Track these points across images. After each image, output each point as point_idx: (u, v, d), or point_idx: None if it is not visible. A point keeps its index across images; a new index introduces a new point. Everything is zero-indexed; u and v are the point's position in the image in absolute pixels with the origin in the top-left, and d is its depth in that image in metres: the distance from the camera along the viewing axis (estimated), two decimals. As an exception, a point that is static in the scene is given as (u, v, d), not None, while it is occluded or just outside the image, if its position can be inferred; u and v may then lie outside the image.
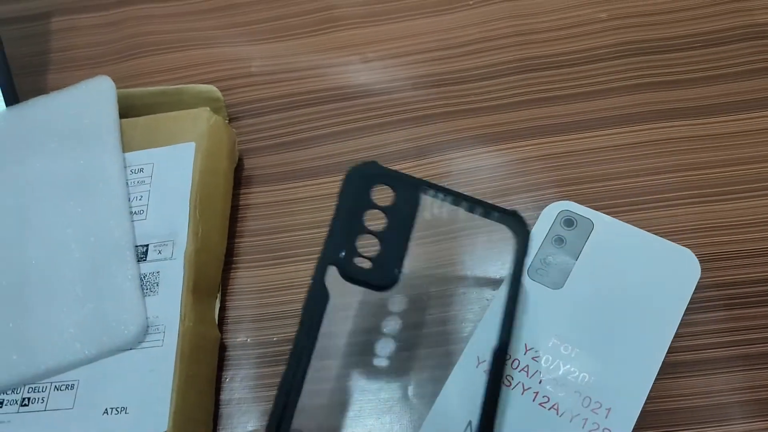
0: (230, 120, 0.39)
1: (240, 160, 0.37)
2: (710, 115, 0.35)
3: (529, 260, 0.31)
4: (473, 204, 0.28)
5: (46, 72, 0.42)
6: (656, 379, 0.28)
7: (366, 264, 0.27)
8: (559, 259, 0.31)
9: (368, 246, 0.27)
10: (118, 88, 0.36)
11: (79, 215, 0.32)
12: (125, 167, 0.34)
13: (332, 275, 0.26)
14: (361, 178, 0.27)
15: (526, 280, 0.31)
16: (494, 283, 0.33)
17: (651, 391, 0.28)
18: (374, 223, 0.27)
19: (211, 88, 0.37)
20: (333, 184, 0.36)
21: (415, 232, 0.27)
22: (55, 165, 0.34)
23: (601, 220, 0.32)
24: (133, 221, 0.32)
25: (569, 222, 0.32)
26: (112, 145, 0.34)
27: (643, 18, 0.39)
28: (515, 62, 0.38)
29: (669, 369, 0.29)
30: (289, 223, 0.35)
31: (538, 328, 0.30)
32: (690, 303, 0.30)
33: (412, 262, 0.32)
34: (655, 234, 0.31)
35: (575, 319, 0.30)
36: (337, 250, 0.26)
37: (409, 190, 0.28)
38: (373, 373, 0.31)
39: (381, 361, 0.31)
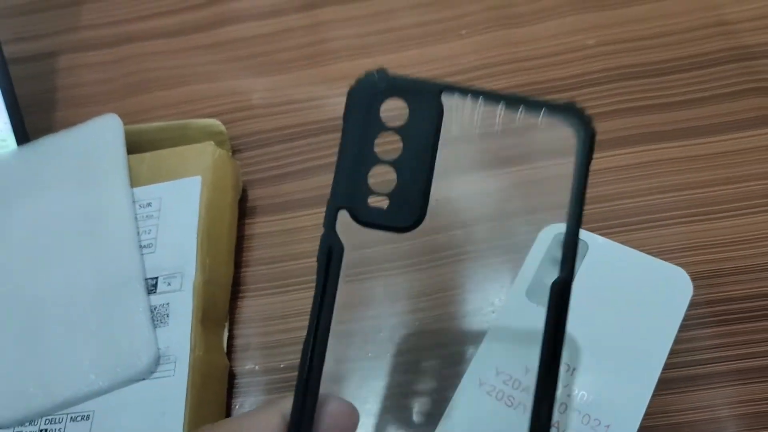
0: (233, 152, 0.40)
1: (244, 191, 0.39)
2: (699, 136, 0.36)
3: (527, 282, 0.32)
4: (513, 102, 0.22)
5: (54, 110, 0.43)
6: (654, 395, 0.29)
7: (383, 202, 0.22)
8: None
9: (384, 179, 0.23)
10: (124, 124, 0.37)
11: (90, 250, 0.33)
12: (134, 202, 0.35)
13: (344, 221, 0.22)
14: (368, 94, 0.23)
15: (523, 302, 0.32)
16: (548, 209, 0.31)
17: (649, 407, 0.29)
18: (389, 149, 0.23)
19: (215, 122, 0.38)
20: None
21: (440, 153, 0.23)
22: (67, 201, 0.35)
23: (594, 241, 0.33)
24: (142, 255, 0.34)
25: (565, 244, 0.33)
26: (120, 181, 0.35)
27: (631, 43, 0.40)
28: (510, 88, 0.40)
29: (666, 385, 0.30)
30: (292, 252, 0.36)
31: (537, 349, 0.31)
32: (684, 320, 0.30)
33: (440, 192, 0.28)
34: (648, 254, 0.32)
35: (572, 339, 0.31)
36: (347, 189, 0.22)
37: (427, 98, 0.23)
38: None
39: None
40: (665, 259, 0.32)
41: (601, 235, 0.33)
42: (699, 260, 0.33)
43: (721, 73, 0.38)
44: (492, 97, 0.22)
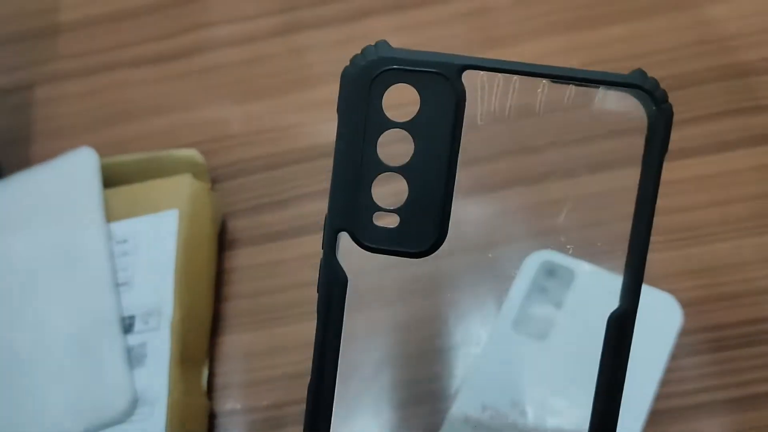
0: (213, 182, 0.39)
1: (224, 222, 0.38)
2: (684, 158, 0.36)
3: (512, 313, 0.31)
4: (559, 78, 0.18)
5: (30, 143, 0.42)
6: (646, 426, 0.28)
7: (392, 220, 0.18)
8: (542, 310, 0.31)
9: (393, 191, 0.18)
10: (101, 155, 0.36)
11: (65, 290, 0.33)
12: (110, 239, 0.34)
13: (347, 245, 0.18)
14: (366, 78, 0.18)
15: (509, 334, 0.31)
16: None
17: (641, 440, 0.28)
18: (397, 151, 0.18)
19: (193, 153, 0.37)
20: (318, 243, 0.36)
21: (462, 153, 0.18)
22: (41, 240, 0.34)
23: (581, 268, 0.32)
24: (119, 293, 0.33)
25: (550, 272, 0.32)
26: (95, 218, 0.34)
27: (613, 64, 0.40)
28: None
29: (658, 416, 0.29)
30: (275, 285, 0.36)
31: (524, 382, 0.30)
32: (674, 348, 0.30)
33: (463, 207, 0.23)
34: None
35: (560, 371, 0.30)
36: (347, 206, 0.18)
37: (444, 80, 0.17)
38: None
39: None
40: (653, 286, 0.31)
41: (587, 261, 0.32)
42: (687, 286, 0.32)
43: (706, 93, 0.38)
44: (531, 72, 0.17)
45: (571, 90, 0.17)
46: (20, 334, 0.32)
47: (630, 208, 0.37)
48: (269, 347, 0.34)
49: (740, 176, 0.35)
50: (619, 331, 0.19)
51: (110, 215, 0.35)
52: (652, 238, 0.35)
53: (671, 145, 0.39)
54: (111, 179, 0.36)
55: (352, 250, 0.18)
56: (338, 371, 0.18)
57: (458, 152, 0.18)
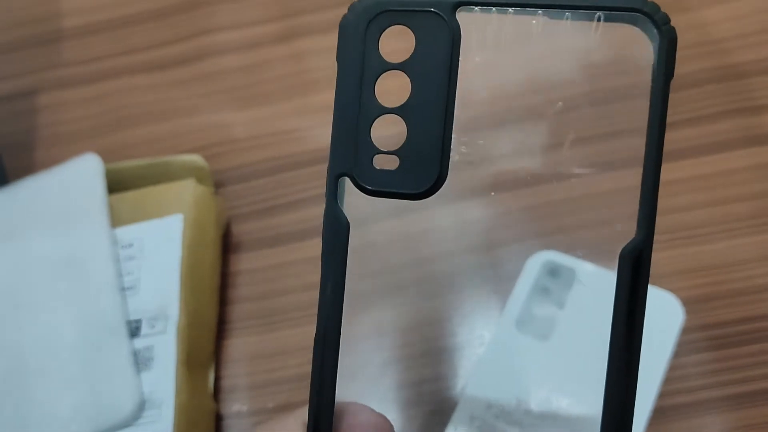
0: (217, 186, 0.40)
1: (228, 226, 0.38)
2: (682, 158, 0.36)
3: (516, 313, 0.31)
4: (555, 9, 0.17)
5: (34, 149, 0.43)
6: (649, 424, 0.28)
7: (392, 162, 0.18)
8: (545, 309, 0.32)
9: (392, 132, 0.18)
10: (105, 162, 0.37)
11: (71, 295, 0.33)
12: (115, 244, 0.34)
13: (349, 190, 0.18)
14: (363, 24, 0.18)
15: (512, 333, 0.31)
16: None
17: (644, 437, 0.28)
18: (395, 93, 0.18)
19: (196, 158, 0.38)
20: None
21: (462, 90, 0.18)
22: (46, 246, 0.34)
23: (582, 268, 0.32)
24: (125, 297, 0.33)
25: (553, 272, 0.33)
26: (100, 223, 0.34)
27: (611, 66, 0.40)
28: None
29: (661, 413, 0.30)
30: (280, 287, 0.36)
31: (528, 381, 0.30)
32: (676, 346, 0.30)
33: (466, 140, 0.22)
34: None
35: (564, 370, 0.30)
36: (348, 151, 0.18)
37: (437, 19, 0.18)
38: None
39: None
40: (654, 285, 0.32)
41: (589, 261, 0.33)
42: (688, 285, 0.32)
43: (703, 94, 0.38)
44: (526, 4, 0.17)
45: (568, 25, 0.17)
46: (27, 338, 0.32)
47: (633, 207, 0.37)
48: (275, 350, 0.34)
49: (738, 176, 0.35)
50: (634, 267, 0.17)
51: (115, 220, 0.35)
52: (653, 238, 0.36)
53: (671, 146, 0.40)
54: (115, 185, 0.37)
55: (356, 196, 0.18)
56: (345, 374, 0.18)
57: (455, 90, 0.18)
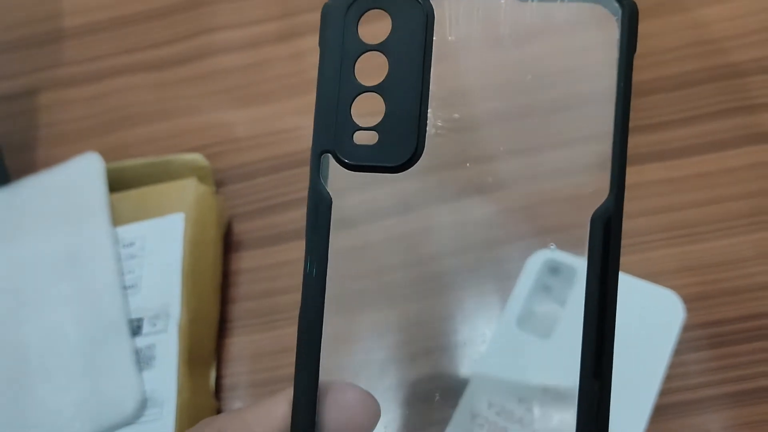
0: (218, 185, 0.40)
1: (229, 225, 0.38)
2: (682, 157, 0.36)
3: (517, 311, 0.32)
4: None
5: (36, 148, 0.43)
6: (651, 422, 0.28)
7: (371, 137, 0.19)
8: (546, 307, 0.32)
9: (371, 110, 0.19)
10: (106, 161, 0.37)
11: (73, 294, 0.33)
12: (116, 243, 0.34)
13: (333, 168, 0.19)
14: (343, 8, 0.19)
15: (513, 331, 0.31)
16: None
17: (645, 435, 0.28)
18: (373, 72, 0.19)
19: (197, 157, 0.38)
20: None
21: (434, 67, 0.19)
22: (48, 244, 0.34)
23: (584, 266, 0.33)
24: (127, 296, 0.33)
25: (553, 270, 0.33)
26: (102, 222, 0.34)
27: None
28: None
29: (662, 411, 0.30)
30: (281, 286, 0.36)
31: (530, 379, 0.30)
32: (677, 344, 0.30)
33: (439, 116, 0.25)
34: (637, 277, 0.32)
35: (566, 368, 0.30)
36: (329, 128, 0.19)
37: (412, 3, 0.19)
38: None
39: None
40: (655, 282, 0.32)
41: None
42: (689, 282, 0.33)
43: (701, 93, 0.38)
44: None
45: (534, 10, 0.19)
46: (29, 337, 0.32)
47: (634, 207, 0.37)
48: (276, 348, 0.34)
49: (737, 174, 0.35)
50: (605, 231, 0.18)
51: (117, 219, 0.35)
52: (653, 236, 0.36)
53: (670, 145, 0.40)
54: (117, 184, 0.37)
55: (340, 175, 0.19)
56: (346, 373, 0.18)
57: (430, 67, 0.19)
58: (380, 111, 0.19)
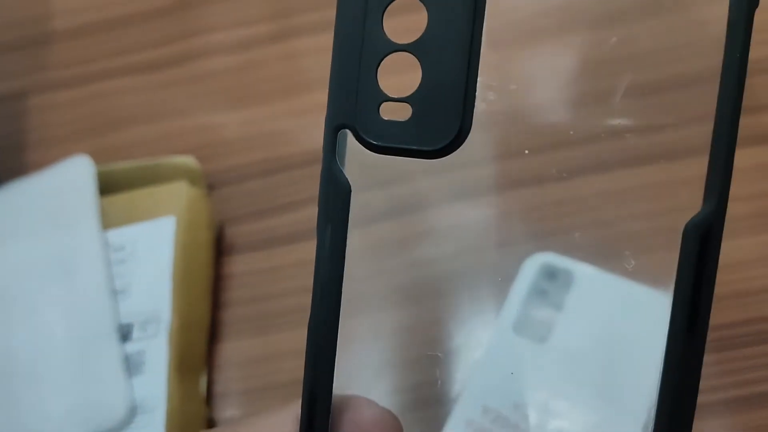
0: (209, 188, 0.39)
1: (221, 228, 0.38)
2: (685, 158, 0.36)
3: (513, 316, 0.31)
4: None
5: (25, 151, 0.42)
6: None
7: (404, 112, 0.15)
8: (543, 312, 0.31)
9: (404, 76, 0.15)
10: (96, 163, 0.36)
11: (62, 298, 0.32)
12: (106, 246, 0.34)
13: (351, 147, 0.15)
14: None
15: (509, 336, 0.31)
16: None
17: (643, 443, 0.28)
18: (407, 27, 0.15)
19: (188, 159, 0.37)
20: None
21: (490, 25, 0.14)
22: (36, 248, 0.34)
23: (582, 271, 0.32)
24: (116, 301, 0.33)
25: (550, 274, 0.32)
26: (91, 226, 0.34)
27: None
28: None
29: (660, 417, 0.29)
30: (274, 290, 0.35)
31: (525, 384, 0.30)
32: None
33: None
34: (636, 281, 0.31)
35: (562, 373, 0.30)
36: (349, 99, 0.15)
37: None
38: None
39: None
40: (653, 287, 0.31)
41: (587, 264, 0.32)
42: (688, 285, 0.32)
43: (705, 93, 0.38)
44: None
45: None
46: (17, 342, 0.32)
47: (628, 208, 0.37)
48: (268, 354, 0.34)
49: (740, 175, 0.34)
50: (702, 245, 0.14)
51: (106, 223, 0.35)
52: (653, 239, 0.35)
53: (669, 146, 0.39)
54: (107, 187, 0.36)
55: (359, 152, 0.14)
56: (340, 378, 0.16)
57: (483, 19, 0.14)
58: (415, 79, 0.14)
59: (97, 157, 0.36)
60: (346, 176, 0.15)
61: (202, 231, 0.35)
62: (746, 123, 0.36)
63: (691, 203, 0.37)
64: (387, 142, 0.15)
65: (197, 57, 0.43)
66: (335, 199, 0.15)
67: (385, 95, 0.15)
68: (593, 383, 0.29)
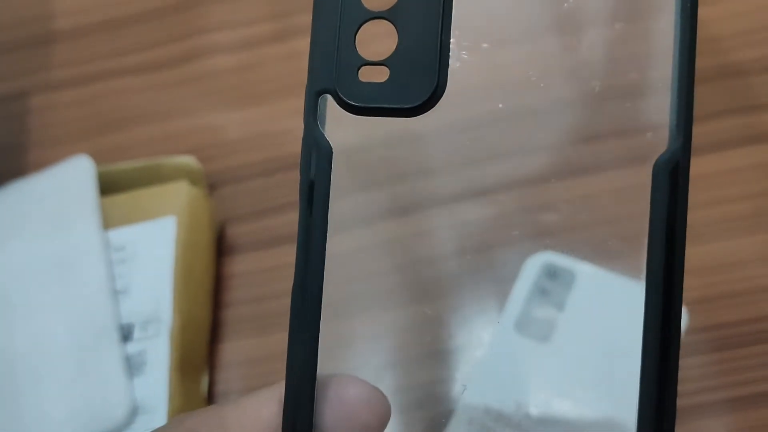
0: (210, 188, 0.39)
1: (222, 228, 0.38)
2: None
3: (515, 315, 0.31)
4: None
5: (25, 152, 0.42)
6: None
7: (381, 73, 0.16)
8: (545, 311, 0.31)
9: (381, 41, 0.16)
10: (97, 163, 0.36)
11: (62, 299, 0.32)
12: (107, 246, 0.34)
13: (333, 111, 0.16)
14: None
15: (511, 335, 0.31)
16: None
17: (645, 442, 0.28)
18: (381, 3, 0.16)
19: (189, 159, 0.37)
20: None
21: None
22: (37, 249, 0.34)
23: (582, 270, 0.32)
24: (117, 301, 0.32)
25: (551, 273, 0.32)
26: (92, 226, 0.34)
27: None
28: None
29: (662, 416, 0.29)
30: (275, 290, 0.35)
31: (528, 383, 0.30)
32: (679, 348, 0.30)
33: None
34: (639, 280, 0.31)
35: (565, 372, 0.30)
36: (329, 64, 0.16)
37: None
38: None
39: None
40: (655, 285, 0.31)
41: (588, 263, 0.32)
42: (689, 285, 0.32)
43: (702, 93, 0.38)
44: None
45: None
46: (17, 343, 0.32)
47: (631, 207, 0.37)
48: (269, 353, 0.34)
49: (739, 175, 0.35)
50: (672, 181, 0.14)
51: (107, 223, 0.35)
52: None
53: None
54: (108, 187, 0.36)
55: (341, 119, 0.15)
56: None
57: None
58: (392, 40, 0.15)
59: (98, 157, 0.36)
60: (328, 140, 0.15)
61: (203, 231, 0.35)
62: (745, 122, 0.36)
63: (693, 199, 0.37)
64: (367, 102, 0.15)
65: (198, 57, 0.43)
66: (318, 162, 0.15)
67: (364, 59, 0.15)
68: (595, 382, 0.29)
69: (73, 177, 0.35)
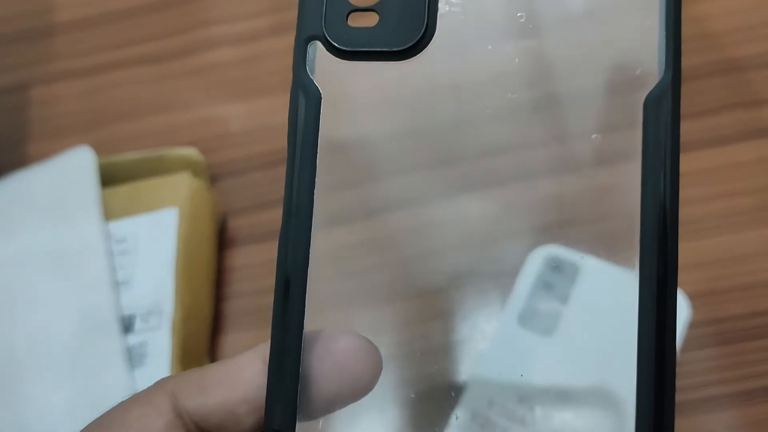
0: (212, 180, 0.39)
1: (224, 220, 0.37)
2: (685, 152, 0.36)
3: (518, 308, 0.31)
4: None
5: (27, 143, 0.42)
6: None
7: (370, 19, 0.16)
8: (548, 305, 0.31)
9: None
10: (99, 155, 0.36)
11: (63, 290, 0.32)
12: (108, 238, 0.34)
13: (322, 57, 0.16)
14: None
15: (515, 329, 0.30)
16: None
17: (650, 436, 0.28)
18: None
19: (191, 151, 0.37)
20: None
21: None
22: (38, 240, 0.34)
23: (586, 263, 0.32)
24: (118, 292, 0.32)
25: (555, 267, 0.32)
26: (94, 217, 0.34)
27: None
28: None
29: (666, 410, 0.29)
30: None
31: (531, 377, 0.30)
32: (682, 341, 0.29)
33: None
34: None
35: (569, 366, 0.30)
36: (318, 11, 0.16)
37: None
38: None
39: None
40: (660, 279, 0.31)
41: (592, 256, 0.32)
42: (694, 279, 0.32)
43: (703, 88, 0.37)
44: None
45: None
46: (19, 335, 0.32)
47: (636, 201, 0.36)
48: (271, 347, 0.33)
49: (743, 169, 0.35)
50: (660, 116, 0.14)
51: (109, 214, 0.34)
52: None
53: (685, 136, 0.39)
54: (109, 178, 0.36)
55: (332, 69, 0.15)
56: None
57: None
58: None
59: (100, 148, 0.36)
60: (317, 86, 0.15)
61: (204, 223, 0.35)
62: (747, 117, 0.36)
63: (693, 195, 0.37)
64: (356, 47, 0.15)
65: (200, 49, 0.43)
66: (306, 107, 0.15)
67: (352, 6, 0.16)
68: (599, 376, 0.29)
69: (74, 168, 0.35)
